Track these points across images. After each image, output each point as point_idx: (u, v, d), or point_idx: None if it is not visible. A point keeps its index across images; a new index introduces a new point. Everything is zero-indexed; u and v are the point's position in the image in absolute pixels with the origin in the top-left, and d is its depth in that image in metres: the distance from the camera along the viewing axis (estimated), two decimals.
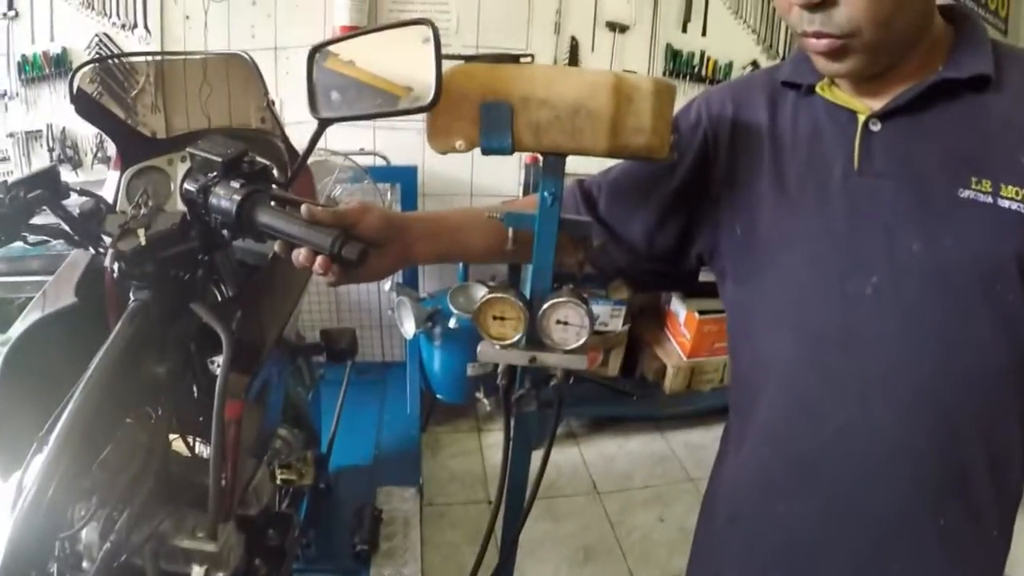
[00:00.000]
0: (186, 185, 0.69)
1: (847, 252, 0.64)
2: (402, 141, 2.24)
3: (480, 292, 0.79)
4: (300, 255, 0.62)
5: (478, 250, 0.79)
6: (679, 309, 2.51)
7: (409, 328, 2.11)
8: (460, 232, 0.78)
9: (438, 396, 2.33)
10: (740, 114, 0.73)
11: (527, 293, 0.72)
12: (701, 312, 2.39)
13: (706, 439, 2.52)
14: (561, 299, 0.69)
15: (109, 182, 1.14)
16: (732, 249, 0.74)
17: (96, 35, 2.08)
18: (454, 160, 2.19)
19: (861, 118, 0.64)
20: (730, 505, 0.79)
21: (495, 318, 0.71)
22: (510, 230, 0.71)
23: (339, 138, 2.04)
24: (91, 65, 1.51)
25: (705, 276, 0.83)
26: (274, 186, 0.73)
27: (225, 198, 0.66)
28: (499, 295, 0.70)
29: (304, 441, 1.51)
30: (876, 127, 0.63)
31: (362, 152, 2.16)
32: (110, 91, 1.44)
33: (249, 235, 0.68)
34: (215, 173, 0.67)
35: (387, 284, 2.21)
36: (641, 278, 0.87)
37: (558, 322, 0.70)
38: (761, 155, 0.70)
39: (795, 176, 0.68)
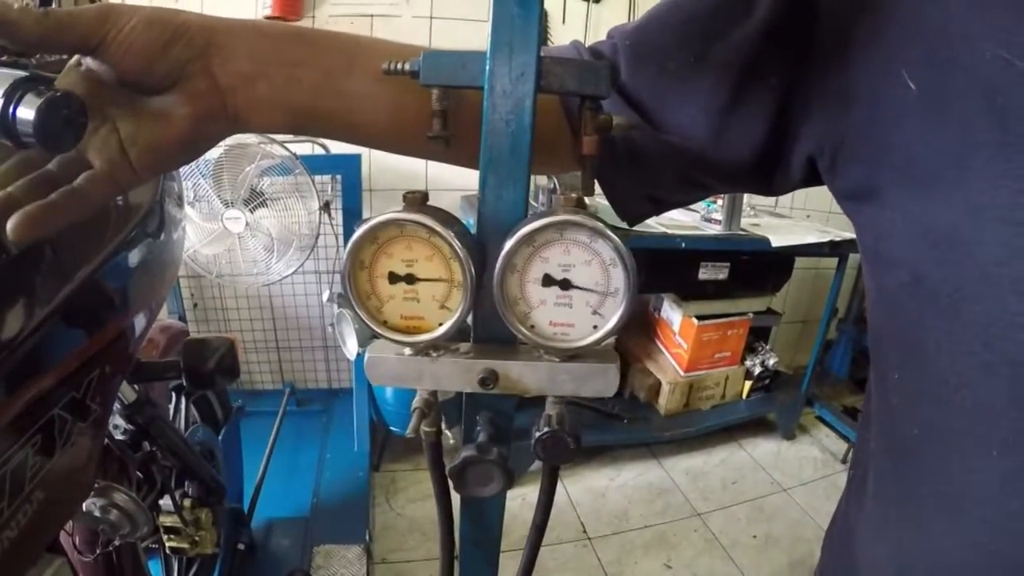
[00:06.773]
0: None
1: None
2: None
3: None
4: None
5: (376, 122, 0.40)
6: (672, 315, 2.17)
7: (352, 347, 1.74)
8: (339, 79, 0.38)
9: (391, 428, 1.95)
10: None
11: (472, 222, 0.37)
12: (700, 317, 2.06)
13: (709, 465, 2.23)
14: (556, 218, 0.33)
15: None
16: (897, 129, 0.33)
17: None
18: None
19: None
20: None
21: (398, 277, 0.35)
22: (434, 93, 0.35)
23: None
24: None
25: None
26: None
27: None
28: (404, 216, 0.33)
29: (201, 496, 1.13)
30: None
31: (294, 138, 1.79)
32: None
33: None
34: None
35: (325, 294, 1.84)
36: (687, 199, 0.50)
37: (550, 280, 0.34)
38: None
39: None
